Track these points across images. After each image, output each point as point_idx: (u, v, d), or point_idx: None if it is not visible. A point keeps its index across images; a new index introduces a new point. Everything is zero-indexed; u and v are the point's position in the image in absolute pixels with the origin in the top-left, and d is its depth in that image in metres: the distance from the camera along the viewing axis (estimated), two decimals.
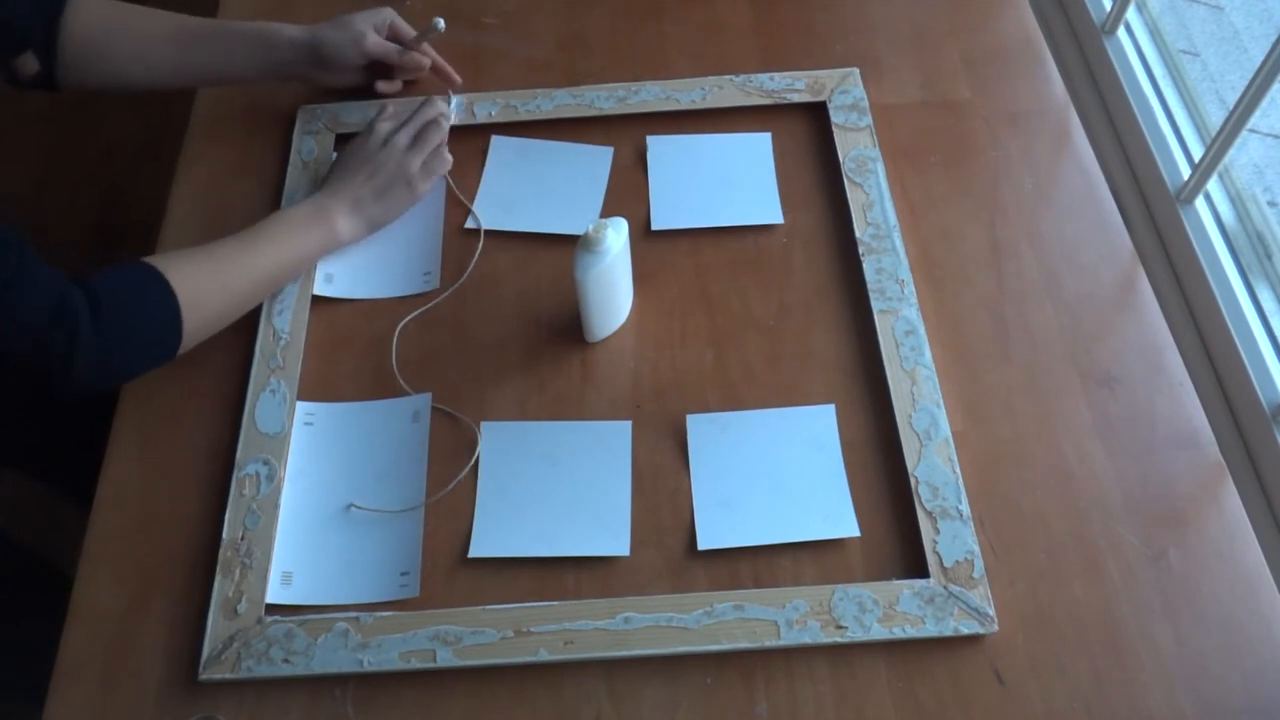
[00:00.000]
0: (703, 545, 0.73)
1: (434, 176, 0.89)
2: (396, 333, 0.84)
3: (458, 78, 0.97)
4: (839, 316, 0.84)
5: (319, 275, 0.87)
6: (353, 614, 0.70)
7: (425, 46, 0.96)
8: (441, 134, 0.90)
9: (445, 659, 0.68)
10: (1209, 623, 0.69)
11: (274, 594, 0.72)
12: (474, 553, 0.73)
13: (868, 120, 0.94)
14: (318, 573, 0.73)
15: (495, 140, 0.96)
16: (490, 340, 0.84)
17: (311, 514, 0.76)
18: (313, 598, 0.72)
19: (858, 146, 0.92)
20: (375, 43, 0.92)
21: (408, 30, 0.95)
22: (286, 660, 0.69)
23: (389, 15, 0.94)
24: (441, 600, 0.71)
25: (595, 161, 0.94)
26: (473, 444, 0.78)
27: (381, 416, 0.80)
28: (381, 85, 0.97)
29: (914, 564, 0.72)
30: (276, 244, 0.82)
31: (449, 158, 0.90)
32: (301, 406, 0.80)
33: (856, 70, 0.98)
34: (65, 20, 0.84)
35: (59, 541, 1.20)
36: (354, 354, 0.84)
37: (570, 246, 0.77)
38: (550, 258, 0.88)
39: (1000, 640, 0.69)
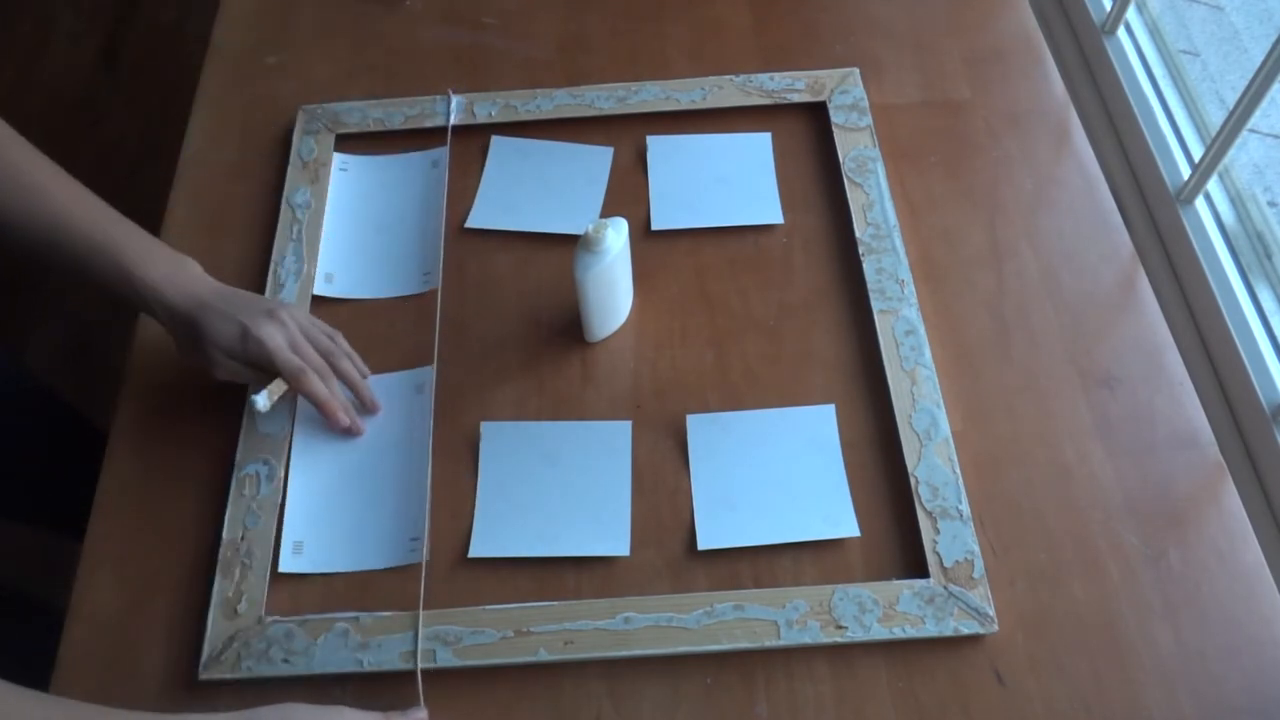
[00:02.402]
0: (703, 545, 0.73)
1: None
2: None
3: (342, 420, 0.77)
4: (839, 316, 0.84)
5: (319, 275, 0.87)
6: (353, 614, 0.70)
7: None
8: None
9: (445, 659, 0.68)
10: (1209, 623, 0.69)
11: (286, 564, 0.73)
12: (474, 553, 0.73)
13: (868, 120, 0.94)
14: (328, 540, 0.74)
15: (495, 140, 0.96)
16: (490, 340, 0.84)
17: (321, 484, 0.77)
18: (324, 565, 0.73)
19: (858, 146, 0.92)
20: (225, 376, 0.75)
21: (282, 364, 0.74)
22: (286, 660, 0.69)
23: (253, 350, 0.73)
24: (441, 600, 0.71)
25: (595, 161, 0.94)
26: (473, 444, 0.78)
27: (387, 389, 0.81)
28: None
29: (914, 564, 0.72)
30: None
31: None
32: None
33: (856, 70, 0.98)
34: None
35: (47, 579, 1.19)
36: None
37: (570, 246, 0.77)
38: (550, 258, 0.88)
39: (1000, 640, 0.69)
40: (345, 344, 0.80)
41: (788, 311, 0.85)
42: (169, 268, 0.74)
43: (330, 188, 0.92)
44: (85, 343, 1.66)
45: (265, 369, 0.75)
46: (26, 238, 0.72)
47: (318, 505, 0.76)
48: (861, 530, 0.73)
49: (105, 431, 0.80)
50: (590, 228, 0.75)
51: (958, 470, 0.75)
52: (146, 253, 0.74)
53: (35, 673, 0.70)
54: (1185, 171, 1.02)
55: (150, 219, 0.92)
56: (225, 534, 0.74)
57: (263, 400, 0.75)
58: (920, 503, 0.73)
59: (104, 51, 2.02)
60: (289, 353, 0.75)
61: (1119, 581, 0.71)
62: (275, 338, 0.74)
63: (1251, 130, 1.01)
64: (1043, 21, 1.12)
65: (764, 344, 0.83)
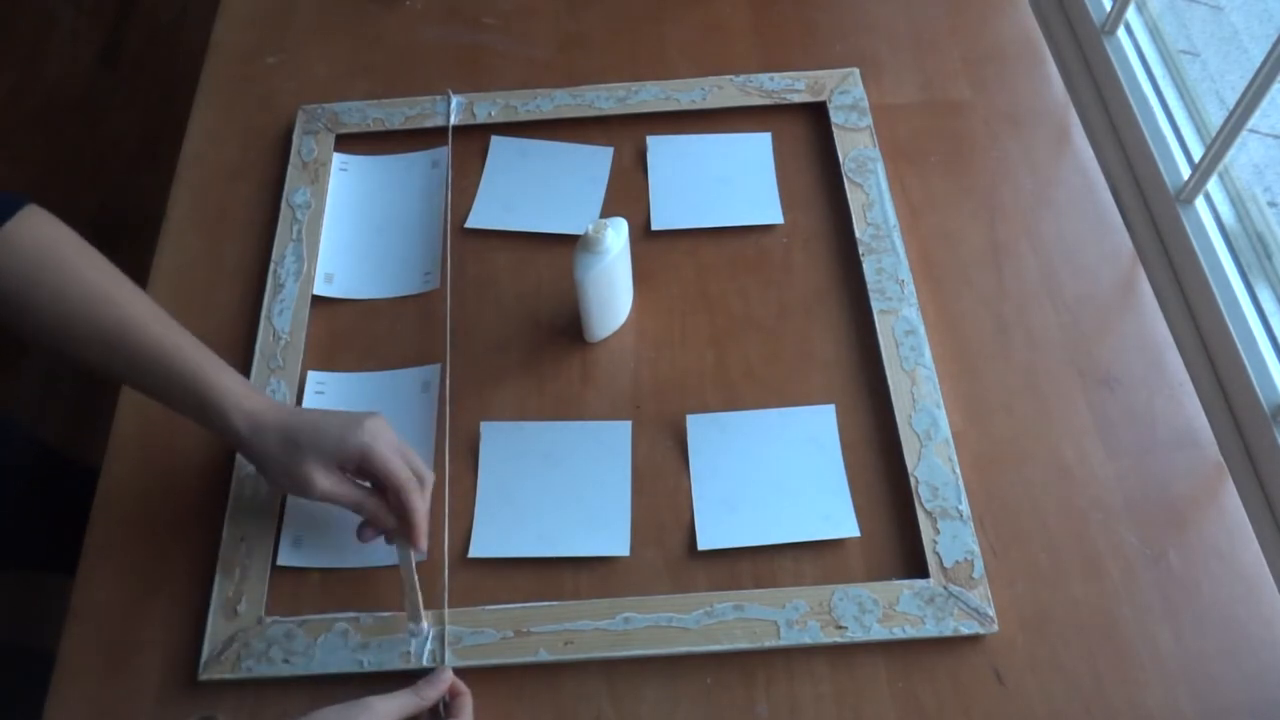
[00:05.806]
0: (703, 545, 0.73)
1: None
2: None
3: (423, 544, 0.70)
4: (839, 316, 0.84)
5: (319, 275, 0.87)
6: (353, 614, 0.70)
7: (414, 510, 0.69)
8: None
9: (445, 659, 0.68)
10: (1209, 623, 0.69)
11: (285, 557, 0.73)
12: (474, 553, 0.73)
13: (868, 120, 0.94)
14: (327, 536, 0.74)
15: (495, 140, 0.96)
16: (490, 340, 0.84)
17: None
18: (323, 560, 0.73)
19: (858, 147, 0.92)
20: (326, 490, 0.67)
21: (396, 470, 0.68)
22: (286, 660, 0.69)
23: (367, 441, 0.67)
24: (441, 600, 0.71)
25: (595, 161, 0.94)
26: (473, 444, 0.78)
27: (391, 386, 0.81)
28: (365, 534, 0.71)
29: (914, 564, 0.72)
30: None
31: None
32: (313, 376, 0.82)
33: (856, 70, 0.98)
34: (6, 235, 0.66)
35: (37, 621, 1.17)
36: (354, 354, 0.84)
37: (570, 246, 0.77)
38: (550, 258, 0.88)
39: (1000, 640, 0.69)
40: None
41: (788, 311, 0.85)
42: (246, 385, 0.70)
43: (330, 187, 0.92)
44: None
45: (368, 476, 0.69)
46: (93, 341, 0.68)
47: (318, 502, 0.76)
48: (861, 530, 0.73)
49: (101, 445, 0.79)
50: (590, 228, 0.75)
51: (958, 470, 0.75)
52: (223, 367, 0.70)
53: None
54: (1185, 171, 1.02)
55: (150, 219, 0.92)
56: (225, 534, 0.74)
57: (423, 623, 0.69)
58: (920, 503, 0.73)
59: (104, 51, 2.02)
60: (400, 460, 0.68)
61: (1119, 581, 0.71)
62: (386, 434, 0.69)
63: (1251, 130, 1.01)
64: (1043, 21, 1.12)
65: (764, 344, 0.83)
